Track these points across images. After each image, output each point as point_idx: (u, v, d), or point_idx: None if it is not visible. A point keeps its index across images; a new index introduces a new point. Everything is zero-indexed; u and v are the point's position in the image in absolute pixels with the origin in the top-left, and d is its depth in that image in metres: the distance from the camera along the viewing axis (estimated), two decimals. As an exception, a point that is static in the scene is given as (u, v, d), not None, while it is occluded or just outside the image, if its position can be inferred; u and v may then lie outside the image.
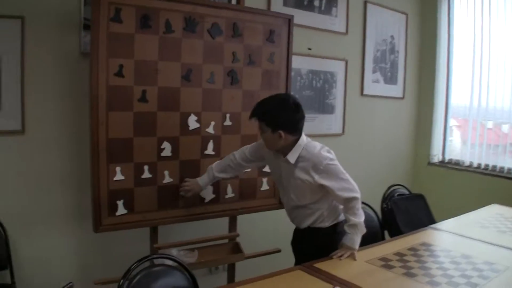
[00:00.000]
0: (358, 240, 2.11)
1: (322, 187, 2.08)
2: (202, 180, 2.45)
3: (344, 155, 3.67)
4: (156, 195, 2.45)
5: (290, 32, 2.82)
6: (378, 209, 3.00)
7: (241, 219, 2.83)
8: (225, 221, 2.80)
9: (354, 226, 2.10)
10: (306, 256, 2.13)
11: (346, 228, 2.12)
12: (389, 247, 2.29)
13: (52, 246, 2.48)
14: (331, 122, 3.64)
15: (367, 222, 2.26)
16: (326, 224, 2.20)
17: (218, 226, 2.81)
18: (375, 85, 3.94)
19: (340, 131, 3.71)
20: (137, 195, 2.39)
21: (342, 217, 2.23)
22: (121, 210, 2.34)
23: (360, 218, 2.11)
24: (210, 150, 2.61)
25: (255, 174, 2.81)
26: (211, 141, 2.60)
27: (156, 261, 1.94)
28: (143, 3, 2.29)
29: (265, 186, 2.86)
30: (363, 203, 2.71)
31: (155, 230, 2.51)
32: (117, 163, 2.31)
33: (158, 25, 2.34)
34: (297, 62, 3.36)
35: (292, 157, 2.10)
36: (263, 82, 2.77)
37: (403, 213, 3.02)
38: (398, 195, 3.20)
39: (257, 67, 2.73)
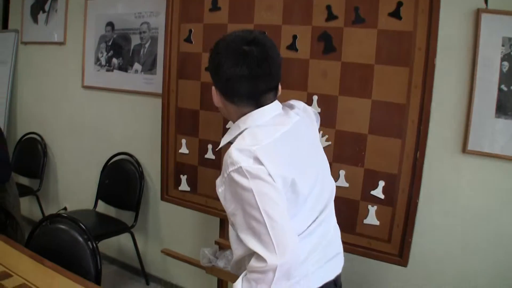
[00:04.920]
0: None
1: None
2: None
3: None
4: (219, 182, 2.30)
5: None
6: None
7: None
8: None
9: None
10: None
11: None
12: None
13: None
14: None
15: None
16: None
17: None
18: None
19: None
20: (201, 175, 2.35)
21: None
22: (184, 186, 2.41)
23: None
24: (288, 141, 2.10)
25: (358, 195, 1.98)
26: (290, 129, 2.08)
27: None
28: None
29: (372, 219, 1.96)
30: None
31: (222, 221, 2.37)
32: (183, 134, 2.38)
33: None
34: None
35: (224, 139, 1.41)
36: (380, 50, 1.85)
37: None
38: None
39: (369, 27, 1.86)
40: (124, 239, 3.02)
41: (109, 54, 3.04)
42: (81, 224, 1.90)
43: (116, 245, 3.17)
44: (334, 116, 1.98)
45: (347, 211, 2.01)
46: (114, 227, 2.88)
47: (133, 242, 2.91)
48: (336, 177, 2.01)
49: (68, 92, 3.38)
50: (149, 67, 2.88)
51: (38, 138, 3.59)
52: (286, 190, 1.23)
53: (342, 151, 1.99)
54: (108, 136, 3.17)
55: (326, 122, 2.00)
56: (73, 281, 1.56)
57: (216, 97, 1.37)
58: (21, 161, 3.62)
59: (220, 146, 1.43)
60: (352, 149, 1.97)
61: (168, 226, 2.96)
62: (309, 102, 2.02)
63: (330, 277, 1.41)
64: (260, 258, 1.16)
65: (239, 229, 1.23)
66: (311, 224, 1.34)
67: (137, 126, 2.99)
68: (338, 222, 2.03)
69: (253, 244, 1.18)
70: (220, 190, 1.27)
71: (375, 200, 1.94)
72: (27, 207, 3.71)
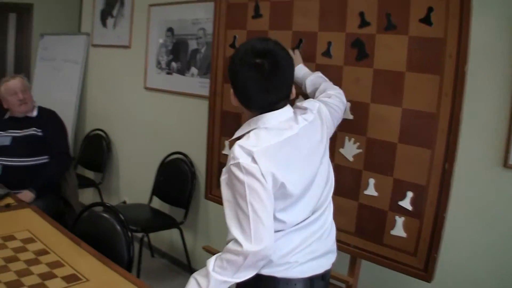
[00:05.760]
0: None
1: None
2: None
3: None
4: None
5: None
6: None
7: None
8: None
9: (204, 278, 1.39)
10: None
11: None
12: None
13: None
14: None
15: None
16: None
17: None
18: None
19: None
20: (240, 176, 2.46)
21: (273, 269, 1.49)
22: (225, 186, 2.53)
23: (224, 277, 1.37)
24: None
25: (386, 205, 1.98)
26: (322, 136, 2.13)
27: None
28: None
29: (399, 230, 1.94)
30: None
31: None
32: (226, 136, 2.51)
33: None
34: None
35: (237, 133, 1.55)
36: (411, 57, 1.85)
37: None
38: None
39: (400, 33, 1.87)
40: (175, 234, 3.22)
41: (169, 58, 3.28)
42: (120, 215, 2.10)
43: (168, 240, 3.39)
44: (365, 124, 2.00)
45: (375, 221, 2.02)
46: (163, 222, 3.11)
47: (181, 238, 3.10)
48: (365, 185, 2.04)
49: (131, 92, 3.69)
50: (205, 71, 3.07)
51: (103, 134, 3.94)
52: (275, 189, 1.40)
53: (372, 159, 2.00)
54: (165, 135, 3.42)
55: (358, 130, 2.03)
56: (102, 263, 1.76)
57: (234, 99, 1.54)
58: (87, 155, 4.00)
59: (232, 138, 1.57)
60: (382, 158, 1.97)
61: (215, 225, 3.12)
62: (342, 109, 2.07)
63: (319, 271, 1.57)
64: (237, 242, 1.35)
65: (227, 216, 1.40)
66: (303, 220, 1.52)
67: (192, 127, 3.19)
68: (367, 231, 2.07)
69: (234, 230, 1.36)
70: (223, 177, 1.46)
71: (402, 211, 1.93)
72: (90, 198, 4.07)
